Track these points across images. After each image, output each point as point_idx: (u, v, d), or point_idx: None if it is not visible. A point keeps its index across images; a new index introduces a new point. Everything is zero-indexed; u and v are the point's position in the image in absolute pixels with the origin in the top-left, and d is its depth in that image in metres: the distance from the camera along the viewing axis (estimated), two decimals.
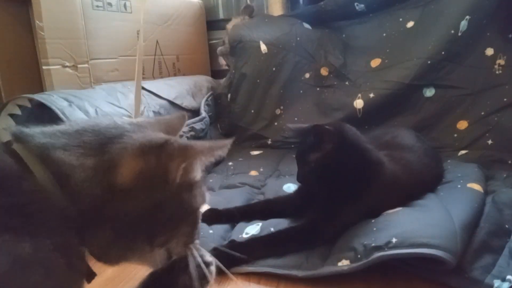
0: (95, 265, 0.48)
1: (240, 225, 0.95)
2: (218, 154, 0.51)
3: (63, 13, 1.32)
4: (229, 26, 1.88)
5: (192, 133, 1.48)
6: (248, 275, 0.78)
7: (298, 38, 1.74)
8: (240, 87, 1.74)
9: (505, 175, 1.12)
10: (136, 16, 1.58)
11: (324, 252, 0.82)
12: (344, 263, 0.75)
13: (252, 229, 0.91)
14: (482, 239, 0.77)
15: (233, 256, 0.76)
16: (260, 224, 0.93)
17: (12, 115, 1.08)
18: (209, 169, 1.32)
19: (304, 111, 1.67)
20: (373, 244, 0.74)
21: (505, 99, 1.36)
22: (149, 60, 1.74)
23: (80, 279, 0.46)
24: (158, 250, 0.51)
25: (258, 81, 1.72)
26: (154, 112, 1.39)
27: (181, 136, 0.72)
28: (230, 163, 1.42)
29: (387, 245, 0.72)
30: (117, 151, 0.45)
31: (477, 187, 0.98)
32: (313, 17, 1.81)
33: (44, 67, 1.29)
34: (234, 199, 1.07)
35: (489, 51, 1.42)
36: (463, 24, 1.42)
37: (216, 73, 2.15)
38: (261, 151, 1.60)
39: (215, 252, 0.75)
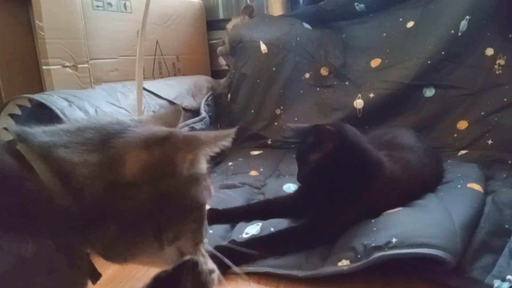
0: (98, 264, 0.48)
1: (240, 225, 0.95)
2: (223, 144, 0.51)
3: (63, 13, 1.32)
4: (229, 26, 1.87)
5: None
6: (248, 275, 0.77)
7: (298, 38, 1.74)
8: (240, 87, 1.74)
9: (505, 175, 1.13)
10: (136, 16, 1.57)
11: (324, 252, 0.82)
12: (344, 263, 0.75)
13: (252, 229, 0.91)
14: (482, 239, 0.78)
15: (238, 253, 0.75)
16: (260, 224, 0.93)
17: (12, 115, 1.07)
18: (209, 170, 1.32)
19: (304, 111, 1.67)
20: (373, 244, 0.74)
21: (505, 99, 1.36)
22: (149, 60, 1.74)
23: (83, 279, 0.45)
24: (168, 249, 0.50)
25: (258, 81, 1.72)
26: (154, 112, 1.39)
27: None
28: (230, 163, 1.42)
29: (387, 245, 0.73)
30: (122, 146, 0.45)
31: (477, 187, 0.98)
32: (313, 17, 1.81)
33: (44, 67, 1.29)
34: (234, 199, 1.07)
35: (489, 51, 1.42)
36: (463, 24, 1.42)
37: (216, 73, 2.15)
38: (261, 151, 1.60)
39: (221, 249, 0.74)
